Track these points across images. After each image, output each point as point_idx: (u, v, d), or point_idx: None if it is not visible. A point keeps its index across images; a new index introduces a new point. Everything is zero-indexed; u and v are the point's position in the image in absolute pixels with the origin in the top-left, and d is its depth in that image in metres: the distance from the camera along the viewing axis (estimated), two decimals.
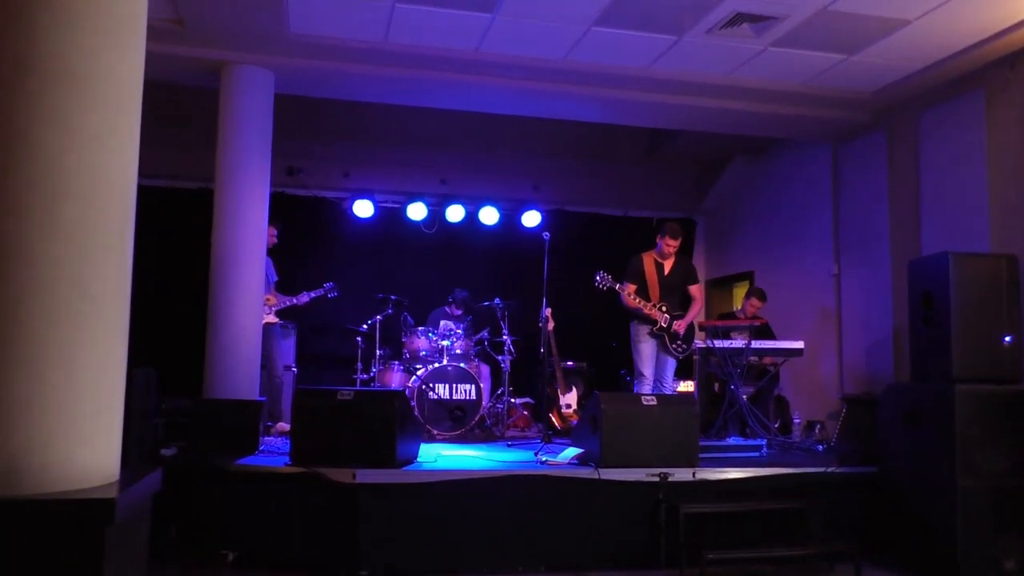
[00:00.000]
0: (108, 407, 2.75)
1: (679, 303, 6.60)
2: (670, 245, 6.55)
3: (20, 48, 2.63)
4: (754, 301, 7.93)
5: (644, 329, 6.50)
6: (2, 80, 2.62)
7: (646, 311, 6.41)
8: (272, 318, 7.13)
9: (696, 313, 6.63)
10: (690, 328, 6.57)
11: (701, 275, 10.42)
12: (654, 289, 6.52)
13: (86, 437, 2.65)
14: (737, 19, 5.82)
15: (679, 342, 6.47)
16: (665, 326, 6.43)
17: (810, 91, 7.09)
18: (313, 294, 7.39)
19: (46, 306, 2.59)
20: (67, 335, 2.62)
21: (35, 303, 2.58)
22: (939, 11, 5.62)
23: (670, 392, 6.51)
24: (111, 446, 2.78)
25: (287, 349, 8.01)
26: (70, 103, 2.67)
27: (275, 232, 7.22)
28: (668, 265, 6.64)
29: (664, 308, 6.45)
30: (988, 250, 6.20)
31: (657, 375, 6.51)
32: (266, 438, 5.85)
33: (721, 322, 7.44)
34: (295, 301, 7.32)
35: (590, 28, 6.01)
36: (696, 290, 6.70)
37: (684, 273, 6.70)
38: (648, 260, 6.62)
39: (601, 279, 6.38)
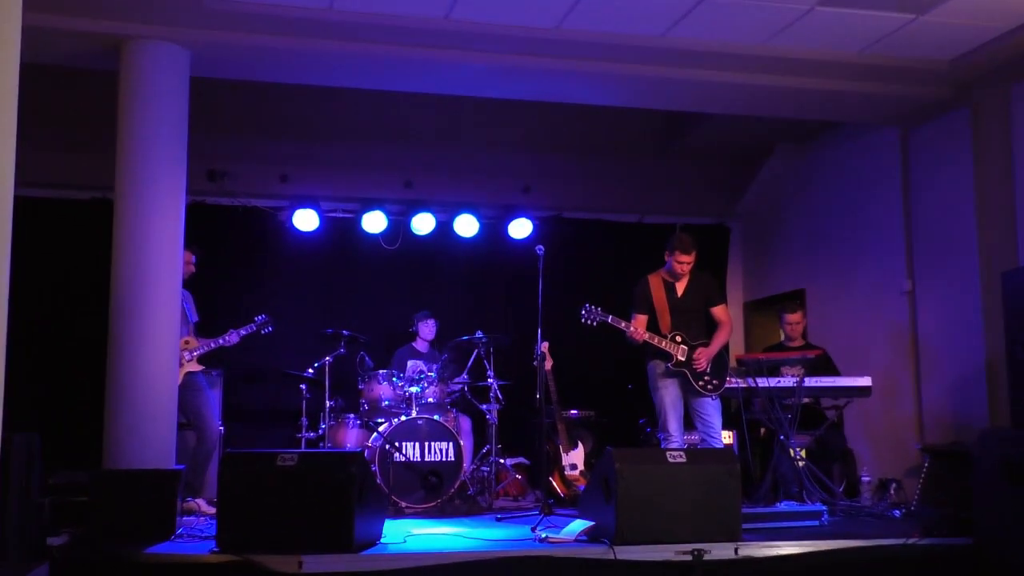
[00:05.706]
0: None
1: (702, 331, 6.62)
2: (681, 262, 6.60)
3: None
4: (790, 316, 7.93)
5: (660, 367, 6.51)
6: None
7: (655, 344, 6.43)
8: (194, 366, 7.06)
9: (724, 340, 6.65)
10: (720, 359, 6.59)
11: (736, 295, 10.48)
12: (664, 317, 6.55)
13: None
14: None
15: (707, 378, 6.48)
16: (684, 359, 6.45)
17: (870, 61, 7.13)
18: (244, 331, 7.30)
19: None
20: None
21: None
22: None
23: (720, 445, 6.50)
24: None
25: (215, 404, 7.94)
26: None
27: (193, 259, 7.15)
28: (681, 286, 6.68)
29: (680, 338, 6.47)
30: None
31: (701, 427, 6.53)
32: (185, 518, 5.79)
33: (765, 355, 7.42)
34: (222, 342, 7.22)
35: None
36: (721, 312, 6.74)
37: (704, 293, 6.73)
38: (656, 282, 6.66)
39: (587, 313, 6.42)
